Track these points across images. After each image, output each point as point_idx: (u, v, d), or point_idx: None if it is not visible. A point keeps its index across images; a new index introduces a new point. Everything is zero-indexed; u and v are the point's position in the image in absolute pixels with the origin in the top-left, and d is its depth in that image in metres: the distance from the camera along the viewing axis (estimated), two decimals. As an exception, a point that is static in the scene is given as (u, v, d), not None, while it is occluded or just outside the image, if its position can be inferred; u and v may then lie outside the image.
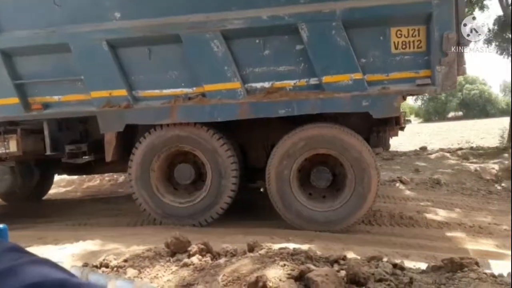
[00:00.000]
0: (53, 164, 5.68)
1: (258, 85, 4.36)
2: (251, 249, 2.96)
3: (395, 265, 2.67)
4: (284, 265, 2.54)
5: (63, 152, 4.98)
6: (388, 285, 2.37)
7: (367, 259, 2.81)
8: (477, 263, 2.64)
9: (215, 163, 4.45)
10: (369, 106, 4.16)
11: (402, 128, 4.70)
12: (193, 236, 3.34)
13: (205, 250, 2.90)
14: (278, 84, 4.33)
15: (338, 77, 4.18)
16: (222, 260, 2.77)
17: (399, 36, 4.16)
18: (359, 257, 2.91)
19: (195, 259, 2.76)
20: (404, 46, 4.17)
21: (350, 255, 3.04)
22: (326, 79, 4.19)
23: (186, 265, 2.71)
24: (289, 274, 2.41)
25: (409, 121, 4.63)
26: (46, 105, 4.62)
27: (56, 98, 4.61)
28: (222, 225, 4.45)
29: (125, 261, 2.84)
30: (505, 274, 2.57)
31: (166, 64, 4.46)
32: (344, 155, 4.25)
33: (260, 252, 2.82)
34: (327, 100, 4.17)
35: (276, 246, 2.95)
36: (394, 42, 4.17)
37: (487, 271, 2.60)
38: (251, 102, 4.29)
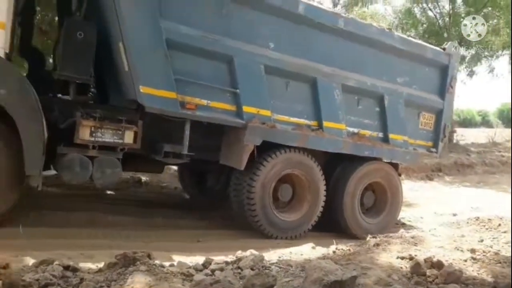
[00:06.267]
0: None
1: (350, 129, 5.83)
2: None
3: (67, 267, 2.67)
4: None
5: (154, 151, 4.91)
6: (56, 288, 2.33)
7: (35, 264, 2.75)
8: (149, 256, 2.89)
9: (315, 185, 5.51)
10: (409, 160, 6.31)
11: (400, 174, 6.98)
12: None
13: None
14: (362, 131, 5.93)
15: (398, 136, 6.16)
16: None
17: (423, 118, 6.56)
18: (30, 263, 2.86)
19: None
20: (425, 125, 6.59)
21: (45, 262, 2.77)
22: (391, 136, 6.09)
23: None
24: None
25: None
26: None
27: (204, 101, 4.68)
28: None
29: None
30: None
31: (297, 97, 5.36)
32: (388, 182, 6.09)
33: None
34: (392, 151, 6.06)
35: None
36: (421, 121, 6.54)
37: (157, 262, 2.90)
38: (350, 141, 5.69)
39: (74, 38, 4.35)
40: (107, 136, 4.42)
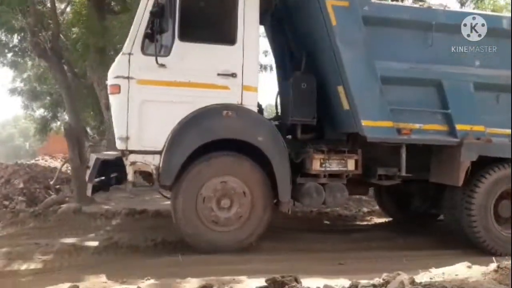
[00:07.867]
0: None
1: None
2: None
3: None
4: None
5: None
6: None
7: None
8: (296, 280, 2.96)
9: None
10: None
11: None
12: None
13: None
14: None
15: None
16: None
17: None
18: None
19: None
20: None
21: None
22: None
23: None
24: None
25: None
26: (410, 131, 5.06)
27: (417, 125, 5.07)
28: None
29: None
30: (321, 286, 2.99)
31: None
32: None
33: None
34: None
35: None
36: None
37: (305, 285, 2.94)
38: None
39: (300, 89, 5.30)
40: (334, 166, 5.15)
